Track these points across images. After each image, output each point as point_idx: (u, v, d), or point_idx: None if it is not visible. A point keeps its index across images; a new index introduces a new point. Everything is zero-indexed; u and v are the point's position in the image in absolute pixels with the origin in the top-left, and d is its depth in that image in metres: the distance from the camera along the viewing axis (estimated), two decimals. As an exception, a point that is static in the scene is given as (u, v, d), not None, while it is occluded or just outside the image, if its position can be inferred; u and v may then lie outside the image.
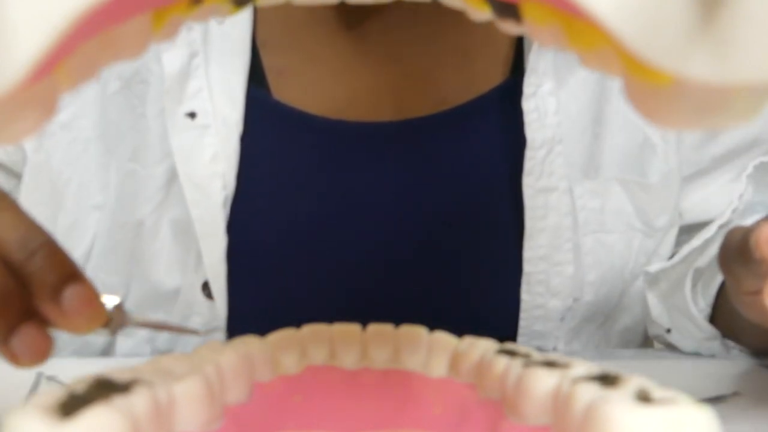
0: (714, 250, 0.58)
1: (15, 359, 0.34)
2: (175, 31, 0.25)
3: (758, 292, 0.40)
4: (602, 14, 0.18)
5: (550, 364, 0.29)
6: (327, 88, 0.62)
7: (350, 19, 0.61)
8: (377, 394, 0.33)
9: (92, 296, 0.34)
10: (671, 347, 0.63)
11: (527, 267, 0.61)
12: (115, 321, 0.38)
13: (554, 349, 0.62)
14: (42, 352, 0.34)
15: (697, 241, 0.59)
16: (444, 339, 0.36)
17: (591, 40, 0.22)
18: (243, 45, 0.61)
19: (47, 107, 0.21)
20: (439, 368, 0.35)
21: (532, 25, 0.24)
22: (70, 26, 0.18)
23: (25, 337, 0.34)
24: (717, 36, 0.18)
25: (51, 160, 0.61)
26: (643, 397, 0.24)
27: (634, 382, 0.26)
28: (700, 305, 0.60)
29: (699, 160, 0.65)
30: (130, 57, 0.24)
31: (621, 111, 0.62)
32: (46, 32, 0.18)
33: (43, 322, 0.34)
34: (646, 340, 0.68)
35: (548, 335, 0.62)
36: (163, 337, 0.63)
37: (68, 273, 0.34)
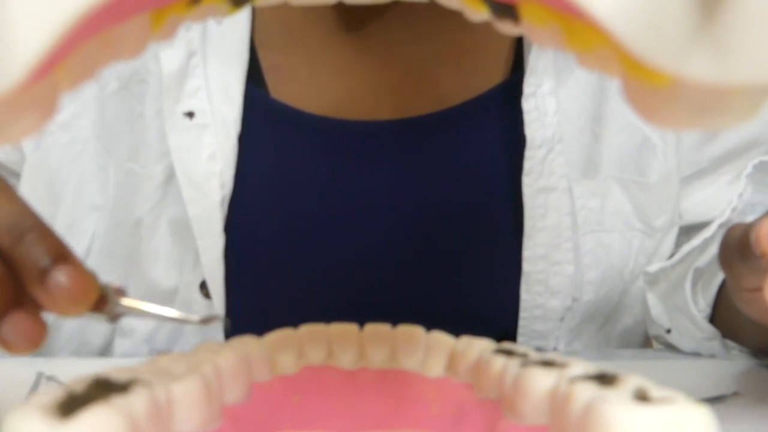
0: (714, 249, 0.58)
1: (8, 346, 0.33)
2: (174, 31, 0.25)
3: (758, 289, 0.39)
4: (601, 15, 0.18)
5: (548, 364, 0.29)
6: (325, 87, 0.62)
7: (349, 18, 0.61)
8: (375, 394, 0.33)
9: (80, 276, 0.33)
10: (671, 347, 0.63)
11: (526, 266, 0.61)
12: (110, 305, 0.37)
13: (555, 350, 0.62)
14: (35, 338, 0.33)
15: (696, 240, 0.59)
16: (441, 339, 0.36)
17: (589, 40, 0.22)
18: (241, 44, 0.61)
19: (47, 107, 0.21)
20: (436, 368, 0.35)
21: (530, 26, 0.24)
22: (71, 26, 0.18)
23: (15, 323, 0.32)
24: (716, 36, 0.18)
25: (49, 159, 0.62)
26: (641, 397, 0.24)
27: (632, 382, 0.26)
28: (700, 305, 0.59)
29: (698, 160, 0.65)
30: (129, 57, 0.24)
31: (620, 111, 0.62)
32: (47, 32, 0.18)
33: (35, 308, 0.33)
34: (646, 340, 0.68)
35: (548, 335, 0.62)
36: (161, 338, 0.63)
37: (57, 255, 0.33)
